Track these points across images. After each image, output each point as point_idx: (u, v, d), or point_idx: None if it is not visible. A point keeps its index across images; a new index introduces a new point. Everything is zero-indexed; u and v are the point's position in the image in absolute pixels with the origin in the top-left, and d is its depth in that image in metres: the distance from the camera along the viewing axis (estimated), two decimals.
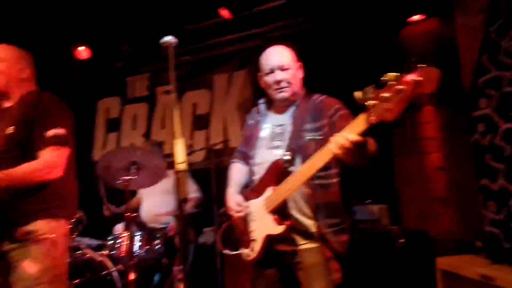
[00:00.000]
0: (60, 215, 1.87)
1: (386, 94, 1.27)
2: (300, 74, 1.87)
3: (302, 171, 1.58)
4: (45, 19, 3.94)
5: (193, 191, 3.79)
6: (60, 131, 1.82)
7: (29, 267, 1.74)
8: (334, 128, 1.69)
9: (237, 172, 2.02)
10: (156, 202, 3.73)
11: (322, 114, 1.76)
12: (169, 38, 1.46)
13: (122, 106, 5.14)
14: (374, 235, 2.69)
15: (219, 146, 4.15)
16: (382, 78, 1.28)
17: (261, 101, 2.00)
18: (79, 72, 4.99)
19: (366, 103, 1.34)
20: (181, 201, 1.13)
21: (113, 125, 5.16)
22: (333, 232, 1.69)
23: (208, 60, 4.58)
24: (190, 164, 4.22)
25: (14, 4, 3.69)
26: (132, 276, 2.68)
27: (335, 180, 1.75)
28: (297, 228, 1.70)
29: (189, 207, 3.60)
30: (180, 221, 1.16)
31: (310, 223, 1.71)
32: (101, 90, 5.21)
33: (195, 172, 4.01)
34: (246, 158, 1.97)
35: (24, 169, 1.75)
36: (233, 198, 1.88)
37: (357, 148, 1.42)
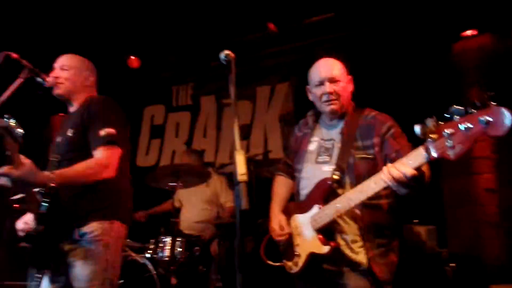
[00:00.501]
0: (114, 217, 1.88)
1: (450, 130, 1.20)
2: (350, 87, 1.84)
3: (351, 196, 1.55)
4: (102, 31, 4.17)
5: (230, 200, 3.84)
6: (111, 130, 1.84)
7: (82, 268, 1.78)
8: (386, 147, 1.65)
9: (281, 186, 2.01)
10: (194, 211, 3.79)
11: (373, 132, 1.71)
12: (228, 52, 1.45)
13: (166, 113, 5.31)
14: (421, 257, 2.55)
15: (259, 157, 4.17)
16: (447, 112, 1.22)
17: (310, 113, 1.98)
18: (129, 79, 5.22)
19: (427, 137, 1.28)
20: (242, 212, 1.14)
21: (157, 131, 5.33)
22: (381, 254, 1.64)
23: (252, 72, 4.63)
24: (229, 174, 4.28)
25: (72, 16, 3.94)
26: (173, 280, 2.72)
27: (385, 201, 1.69)
28: (343, 250, 1.66)
29: (225, 216, 3.63)
30: (240, 232, 1.17)
31: (358, 245, 1.66)
32: (148, 97, 5.41)
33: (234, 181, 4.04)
34: (291, 171, 1.96)
35: (76, 168, 1.78)
36: (277, 219, 1.86)
37: (411, 181, 1.37)
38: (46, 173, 1.69)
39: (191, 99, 5.15)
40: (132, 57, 4.76)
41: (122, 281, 2.82)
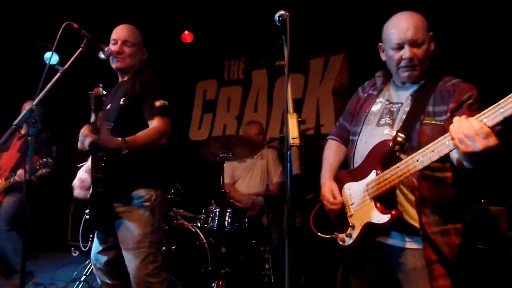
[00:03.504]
0: (158, 186, 2.02)
1: None
2: (432, 47, 1.61)
3: (418, 157, 1.38)
4: (156, 5, 4.24)
5: (278, 176, 3.80)
6: (165, 102, 1.99)
7: (132, 231, 1.92)
8: (457, 114, 1.43)
9: (333, 152, 1.86)
10: (251, 184, 3.81)
11: (451, 97, 1.51)
12: (283, 12, 1.34)
13: (218, 88, 5.34)
14: (490, 240, 2.31)
15: (310, 132, 4.07)
16: None
17: (378, 74, 1.79)
18: (182, 54, 5.29)
19: None
20: (294, 177, 1.08)
21: (209, 106, 5.40)
22: (441, 232, 1.48)
23: (304, 43, 4.45)
24: (280, 148, 4.23)
25: None
26: (223, 249, 2.78)
27: (450, 174, 1.52)
28: (402, 222, 1.51)
29: (272, 191, 3.61)
30: (291, 200, 1.11)
31: (416, 219, 1.51)
32: (201, 72, 5.46)
33: (284, 156, 3.99)
34: (347, 136, 1.81)
35: (141, 136, 1.90)
36: (328, 186, 1.74)
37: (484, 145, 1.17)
38: (119, 139, 1.80)
39: (243, 73, 5.13)
40: (186, 32, 4.80)
41: (174, 247, 2.94)
